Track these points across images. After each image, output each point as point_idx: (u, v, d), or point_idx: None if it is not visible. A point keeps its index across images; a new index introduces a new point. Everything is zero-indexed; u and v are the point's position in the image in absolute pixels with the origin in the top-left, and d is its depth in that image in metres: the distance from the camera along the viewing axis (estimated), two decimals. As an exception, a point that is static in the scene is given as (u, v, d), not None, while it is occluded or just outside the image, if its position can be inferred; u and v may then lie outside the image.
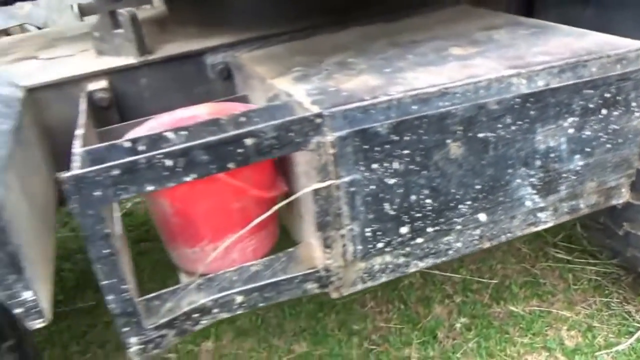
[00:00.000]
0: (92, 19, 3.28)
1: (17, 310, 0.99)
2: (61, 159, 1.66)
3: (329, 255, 1.25)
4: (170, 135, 1.13)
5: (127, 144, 1.10)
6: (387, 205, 1.23)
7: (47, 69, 1.75)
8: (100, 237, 1.01)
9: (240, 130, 1.04)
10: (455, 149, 1.21)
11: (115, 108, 1.68)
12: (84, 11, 2.67)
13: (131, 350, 1.14)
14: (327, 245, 1.23)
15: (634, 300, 2.18)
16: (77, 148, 1.06)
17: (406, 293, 2.36)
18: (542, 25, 1.61)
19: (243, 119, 1.17)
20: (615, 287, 2.26)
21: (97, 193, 0.98)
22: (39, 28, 2.81)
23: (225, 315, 1.24)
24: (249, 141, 1.05)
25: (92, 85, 1.65)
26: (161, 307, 1.23)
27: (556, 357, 2.01)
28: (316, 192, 1.16)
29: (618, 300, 2.20)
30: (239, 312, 1.25)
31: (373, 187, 1.20)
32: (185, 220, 1.25)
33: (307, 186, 1.23)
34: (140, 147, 1.11)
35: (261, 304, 1.26)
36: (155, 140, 1.12)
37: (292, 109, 1.19)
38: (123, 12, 1.66)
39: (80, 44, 2.08)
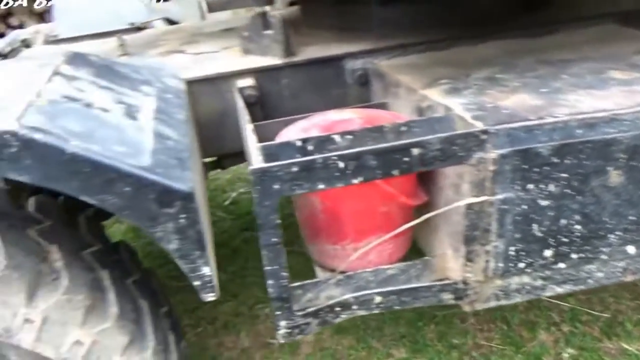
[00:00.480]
0: (217, 16, 3.48)
1: (196, 283, 1.09)
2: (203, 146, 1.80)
3: (469, 269, 1.27)
4: (337, 138, 1.19)
5: (299, 143, 1.18)
6: (535, 227, 1.23)
7: (199, 64, 1.88)
8: (271, 226, 1.09)
9: (409, 140, 1.08)
10: (615, 176, 1.19)
11: (259, 105, 1.78)
12: (212, 7, 2.83)
13: (279, 332, 1.22)
14: (469, 259, 1.25)
15: None
16: (254, 143, 1.14)
17: (509, 314, 2.32)
18: None
19: (404, 128, 1.21)
20: None
21: (276, 186, 1.06)
22: (173, 23, 3.01)
23: (363, 312, 1.30)
24: (415, 151, 1.09)
25: (241, 82, 1.76)
26: (302, 297, 1.30)
27: (671, 402, 1.92)
28: (469, 206, 1.18)
29: None
30: (375, 311, 1.30)
31: (525, 207, 1.21)
32: (332, 218, 1.32)
33: (453, 199, 1.26)
34: (310, 147, 1.18)
35: (397, 307, 1.31)
36: (323, 141, 1.19)
37: (452, 123, 1.22)
38: (275, 14, 1.76)
39: (220, 41, 2.21)
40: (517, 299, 1.35)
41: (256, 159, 1.09)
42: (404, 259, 1.45)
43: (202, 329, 2.40)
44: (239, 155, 2.19)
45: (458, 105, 1.28)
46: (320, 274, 1.42)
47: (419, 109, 1.41)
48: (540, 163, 1.16)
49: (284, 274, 1.15)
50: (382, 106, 1.65)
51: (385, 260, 1.39)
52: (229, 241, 2.97)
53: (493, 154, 1.14)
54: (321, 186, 1.08)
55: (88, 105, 1.13)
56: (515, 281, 1.32)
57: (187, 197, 1.02)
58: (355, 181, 1.09)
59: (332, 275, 1.32)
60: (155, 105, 1.32)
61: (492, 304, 1.35)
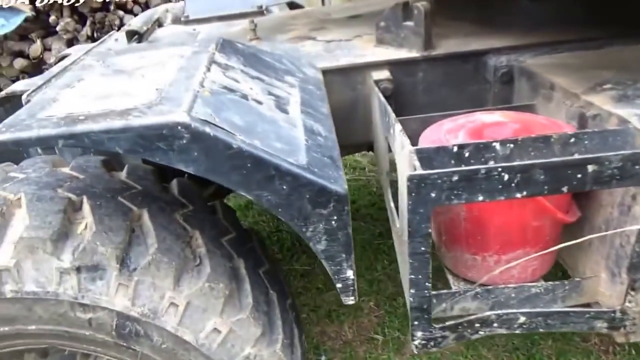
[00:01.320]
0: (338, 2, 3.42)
1: (338, 285, 1.07)
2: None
3: (631, 298, 1.14)
4: (497, 146, 1.11)
5: (455, 149, 1.11)
6: None
7: (332, 53, 1.85)
8: (422, 235, 1.04)
9: (586, 156, 0.98)
10: None
11: (392, 98, 1.72)
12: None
13: (415, 342, 1.17)
14: (633, 287, 1.13)
15: None
16: (407, 145, 1.09)
17: (638, 338, 2.12)
18: None
19: (573, 139, 1.11)
20: None
21: (432, 195, 1.00)
22: (297, 7, 3.02)
23: (503, 331, 1.22)
24: (591, 167, 0.98)
25: (377, 74, 1.70)
26: (435, 307, 1.24)
27: None
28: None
29: None
30: (517, 331, 1.22)
31: None
32: (477, 228, 1.24)
33: (620, 220, 1.14)
34: (466, 154, 1.11)
35: (541, 329, 1.21)
36: (482, 148, 1.12)
37: (632, 137, 1.09)
38: (419, 5, 1.68)
39: (349, 28, 2.17)
40: (680, 334, 1.21)
41: (411, 164, 1.03)
42: (547, 276, 1.35)
43: (305, 315, 2.41)
44: (361, 147, 2.16)
45: (633, 117, 1.14)
46: (455, 284, 1.35)
47: (581, 116, 1.29)
48: None
49: (428, 284, 1.10)
50: (530, 108, 1.53)
51: (528, 276, 1.30)
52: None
53: (679, 175, 1.00)
54: (480, 198, 1.01)
55: (244, 96, 1.13)
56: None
57: (341, 199, 0.99)
58: (518, 195, 1.01)
59: (470, 287, 1.25)
60: (299, 97, 1.31)
61: (647, 336, 1.22)
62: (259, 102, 1.14)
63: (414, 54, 1.74)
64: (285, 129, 1.09)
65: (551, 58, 1.65)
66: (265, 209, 2.82)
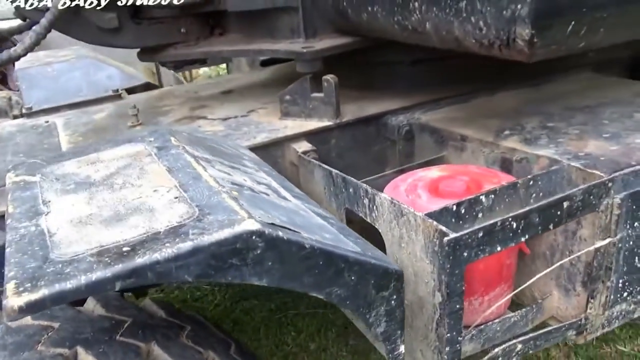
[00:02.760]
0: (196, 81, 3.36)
1: (389, 356, 1.06)
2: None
3: (591, 306, 1.37)
4: (483, 198, 1.25)
5: (454, 208, 1.21)
6: (637, 259, 1.38)
7: (242, 130, 1.83)
8: (458, 294, 1.11)
9: (561, 195, 1.17)
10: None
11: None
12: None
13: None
14: (592, 296, 1.36)
15: None
16: (414, 211, 1.15)
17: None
18: None
19: (531, 182, 1.30)
20: None
21: (465, 254, 1.08)
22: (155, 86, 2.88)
23: (507, 363, 1.34)
24: (565, 204, 1.18)
25: (299, 146, 1.74)
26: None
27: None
28: (597, 249, 1.29)
29: None
30: (514, 359, 1.35)
31: (632, 243, 1.35)
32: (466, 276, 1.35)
33: (565, 244, 1.37)
34: (462, 210, 1.22)
35: (531, 351, 1.37)
36: (472, 203, 1.24)
37: (568, 174, 1.33)
38: (329, 78, 1.78)
39: (234, 104, 2.17)
40: (616, 324, 1.48)
41: (433, 230, 1.09)
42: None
43: None
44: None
45: (554, 155, 1.40)
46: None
47: (505, 160, 1.52)
48: (646, 203, 1.31)
49: (460, 339, 1.16)
50: (442, 160, 1.74)
51: (502, 309, 1.45)
52: (230, 314, 2.79)
53: (617, 199, 1.26)
54: (498, 248, 1.12)
55: (252, 190, 1.07)
56: (617, 309, 1.45)
57: (400, 277, 1.01)
58: (522, 239, 1.15)
59: (467, 332, 1.34)
60: (275, 181, 1.28)
61: (598, 333, 1.46)
62: (266, 194, 1.09)
63: (326, 122, 1.83)
64: (308, 217, 1.06)
65: (440, 113, 1.90)
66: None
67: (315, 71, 1.86)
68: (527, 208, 1.14)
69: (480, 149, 1.61)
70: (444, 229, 1.08)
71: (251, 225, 0.83)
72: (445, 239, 1.05)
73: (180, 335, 1.09)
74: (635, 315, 1.51)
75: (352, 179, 1.43)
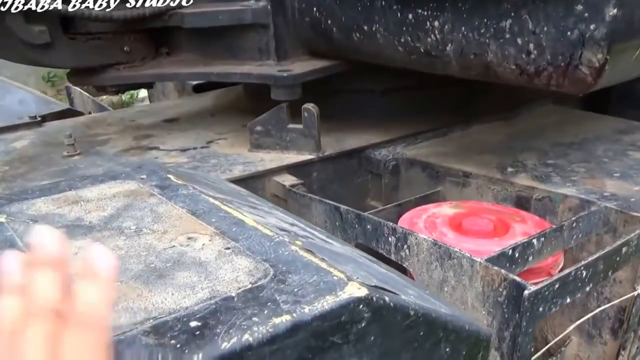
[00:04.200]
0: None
1: None
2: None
3: (622, 357, 1.28)
4: (535, 241, 1.11)
5: (510, 252, 1.06)
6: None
7: (210, 163, 1.58)
8: (526, 356, 0.94)
9: (621, 241, 1.07)
10: None
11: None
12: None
13: None
14: (624, 347, 1.27)
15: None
16: (475, 258, 0.98)
17: None
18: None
19: (574, 224, 1.19)
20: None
21: (540, 308, 0.92)
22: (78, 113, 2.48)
23: None
24: (624, 250, 1.08)
25: (283, 179, 1.53)
26: None
27: None
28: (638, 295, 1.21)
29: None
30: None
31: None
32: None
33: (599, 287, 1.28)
34: (516, 254, 1.07)
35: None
36: (526, 246, 1.09)
37: (606, 215, 1.24)
38: (310, 107, 1.58)
39: (186, 134, 1.90)
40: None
41: (500, 278, 0.93)
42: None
43: None
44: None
45: (581, 195, 1.32)
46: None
47: (521, 198, 1.41)
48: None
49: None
50: (437, 195, 1.60)
51: None
52: None
53: (658, 241, 1.19)
54: (567, 300, 0.98)
55: (298, 235, 0.84)
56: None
57: (488, 343, 0.82)
58: (587, 288, 1.02)
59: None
60: (295, 220, 1.05)
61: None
62: (312, 239, 0.86)
63: (307, 156, 1.62)
64: (365, 265, 0.84)
65: (423, 148, 1.77)
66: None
67: (294, 99, 1.65)
68: (595, 256, 1.01)
69: (488, 185, 1.50)
70: (519, 279, 0.92)
71: (357, 290, 0.60)
72: (526, 292, 0.88)
73: None
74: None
75: (370, 215, 1.24)
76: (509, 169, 1.53)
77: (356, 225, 1.28)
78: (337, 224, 1.32)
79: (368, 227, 1.25)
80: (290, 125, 1.62)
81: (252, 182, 1.52)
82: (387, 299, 0.63)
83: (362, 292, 0.60)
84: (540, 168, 1.53)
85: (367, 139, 1.79)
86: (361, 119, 1.93)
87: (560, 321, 1.39)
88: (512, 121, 2.05)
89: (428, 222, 1.32)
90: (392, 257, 1.18)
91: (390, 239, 1.18)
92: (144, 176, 0.95)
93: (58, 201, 0.83)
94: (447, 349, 0.73)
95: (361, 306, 0.60)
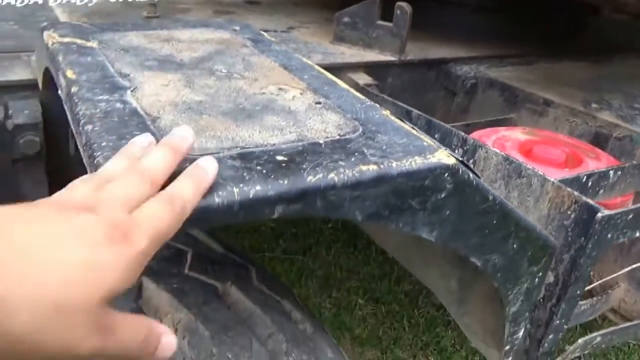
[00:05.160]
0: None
1: (506, 348, 0.89)
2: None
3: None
4: (611, 173, 1.07)
5: (584, 179, 1.03)
6: None
7: (289, 46, 1.55)
8: (584, 279, 0.94)
9: None
10: None
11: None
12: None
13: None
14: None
15: None
16: (543, 174, 0.96)
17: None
18: None
19: (657, 165, 1.14)
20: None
21: (609, 235, 0.90)
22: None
23: (578, 354, 1.21)
24: None
25: (357, 78, 1.50)
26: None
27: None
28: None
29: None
30: (587, 352, 1.23)
31: None
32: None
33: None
34: (590, 182, 1.04)
35: (605, 345, 1.25)
36: (602, 177, 1.06)
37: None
38: (404, 5, 1.52)
39: (267, 17, 1.87)
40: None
41: (571, 199, 0.91)
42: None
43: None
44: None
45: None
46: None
47: (599, 135, 1.35)
48: None
49: (566, 327, 1.00)
50: (509, 122, 1.55)
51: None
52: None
53: None
54: (637, 234, 0.96)
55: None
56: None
57: (553, 253, 0.81)
58: (661, 225, 0.99)
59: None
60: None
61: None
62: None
63: (388, 57, 1.58)
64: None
65: (507, 71, 1.70)
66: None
67: (385, -6, 1.59)
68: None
69: (568, 117, 1.43)
70: (591, 202, 0.89)
71: (446, 157, 0.60)
72: (599, 215, 0.86)
73: (251, 277, 0.85)
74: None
75: (441, 122, 1.22)
76: (593, 105, 1.46)
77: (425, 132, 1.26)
78: (406, 127, 1.30)
79: (437, 135, 1.23)
80: (380, 22, 1.57)
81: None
82: (471, 175, 0.63)
83: (451, 160, 0.60)
84: (626, 109, 1.45)
85: (452, 53, 1.72)
86: (448, 32, 1.85)
87: (612, 268, 1.36)
88: (603, 64, 1.93)
89: (497, 144, 1.29)
90: None
91: (457, 150, 1.16)
92: (237, 28, 0.95)
93: (150, 37, 0.85)
94: (515, 245, 0.74)
95: (446, 175, 0.60)
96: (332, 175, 0.52)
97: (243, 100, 0.67)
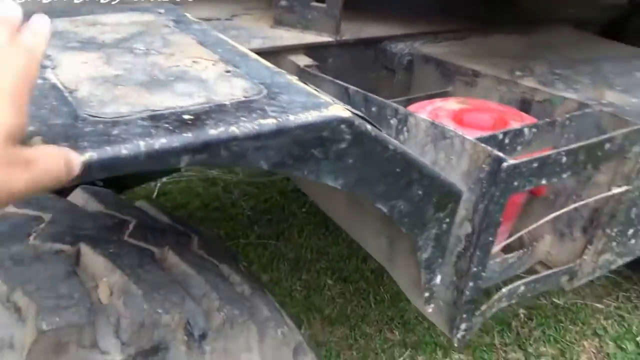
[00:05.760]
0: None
1: (425, 294, 0.98)
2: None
3: (587, 252, 1.37)
4: (526, 130, 1.17)
5: (500, 137, 1.12)
6: (633, 210, 1.38)
7: (230, 34, 1.60)
8: (495, 225, 1.03)
9: (605, 136, 1.12)
10: None
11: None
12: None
13: (458, 335, 1.16)
14: (590, 242, 1.35)
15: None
16: (461, 132, 1.05)
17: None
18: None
19: (567, 122, 1.24)
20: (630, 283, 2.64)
21: (515, 183, 1.00)
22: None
23: (506, 304, 1.31)
24: (607, 145, 1.14)
25: (297, 59, 1.56)
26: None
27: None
28: (612, 196, 1.27)
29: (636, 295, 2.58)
30: (514, 300, 1.32)
31: (637, 194, 1.34)
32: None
33: (574, 189, 1.35)
34: (507, 140, 1.13)
35: (529, 295, 1.35)
36: (517, 134, 1.15)
37: (598, 119, 1.29)
38: (337, -14, 1.59)
39: (207, 5, 1.92)
40: (597, 274, 1.50)
41: (485, 154, 1.00)
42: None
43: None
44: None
45: (580, 99, 1.35)
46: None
47: (524, 101, 1.45)
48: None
49: (484, 274, 1.09)
50: (446, 95, 1.64)
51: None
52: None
53: (642, 148, 1.24)
54: (543, 182, 1.06)
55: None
56: (602, 259, 1.46)
57: (458, 199, 0.90)
58: (564, 176, 1.09)
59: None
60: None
61: (583, 281, 1.48)
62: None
63: (325, 37, 1.65)
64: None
65: (441, 47, 1.79)
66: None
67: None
68: (577, 144, 1.07)
69: (496, 86, 1.53)
70: (500, 154, 0.99)
71: (341, 111, 0.68)
72: (504, 164, 0.96)
73: (191, 243, 0.92)
74: (612, 267, 1.54)
75: (375, 96, 1.30)
76: (517, 72, 1.56)
77: (362, 108, 1.33)
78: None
79: (373, 109, 1.31)
80: (314, 3, 1.64)
81: (267, 58, 1.53)
82: (369, 127, 0.70)
83: (346, 113, 0.68)
84: (547, 75, 1.55)
85: (387, 31, 1.80)
86: (384, 11, 1.93)
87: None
88: (530, 35, 2.04)
89: (431, 114, 1.37)
90: None
91: (392, 121, 1.24)
92: (162, 11, 1.00)
93: (75, 22, 0.90)
94: (420, 192, 0.82)
95: (343, 126, 0.67)
96: (233, 128, 0.59)
97: (157, 73, 0.73)
